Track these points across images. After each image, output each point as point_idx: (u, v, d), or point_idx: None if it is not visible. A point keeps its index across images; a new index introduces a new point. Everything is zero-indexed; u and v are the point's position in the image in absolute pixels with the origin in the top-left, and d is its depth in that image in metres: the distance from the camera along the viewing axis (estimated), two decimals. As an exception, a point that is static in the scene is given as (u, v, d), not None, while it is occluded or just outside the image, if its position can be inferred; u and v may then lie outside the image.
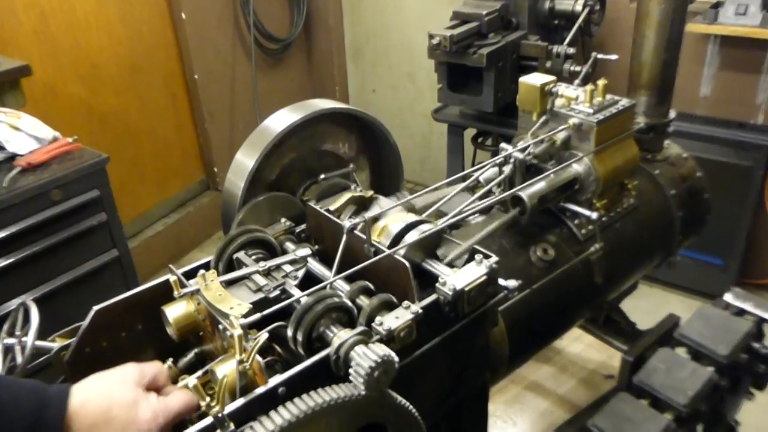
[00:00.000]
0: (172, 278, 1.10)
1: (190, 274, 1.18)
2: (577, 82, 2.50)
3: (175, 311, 1.13)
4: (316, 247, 1.34)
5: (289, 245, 1.31)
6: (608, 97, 1.50)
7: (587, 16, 2.94)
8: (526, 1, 2.91)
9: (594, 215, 1.45)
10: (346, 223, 1.16)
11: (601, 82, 1.49)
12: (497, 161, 1.46)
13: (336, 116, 1.51)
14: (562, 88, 1.50)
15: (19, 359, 1.16)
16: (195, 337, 1.19)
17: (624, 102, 1.50)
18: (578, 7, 2.92)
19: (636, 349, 1.72)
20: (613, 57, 2.75)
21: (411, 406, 1.04)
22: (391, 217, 1.27)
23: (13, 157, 2.34)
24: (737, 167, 3.09)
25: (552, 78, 1.49)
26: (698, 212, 1.80)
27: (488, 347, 1.30)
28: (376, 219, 1.28)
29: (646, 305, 2.58)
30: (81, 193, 2.29)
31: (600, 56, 2.80)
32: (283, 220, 1.38)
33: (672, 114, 1.78)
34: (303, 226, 1.38)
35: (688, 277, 3.38)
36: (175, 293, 1.10)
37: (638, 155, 1.56)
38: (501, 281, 1.21)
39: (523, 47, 2.84)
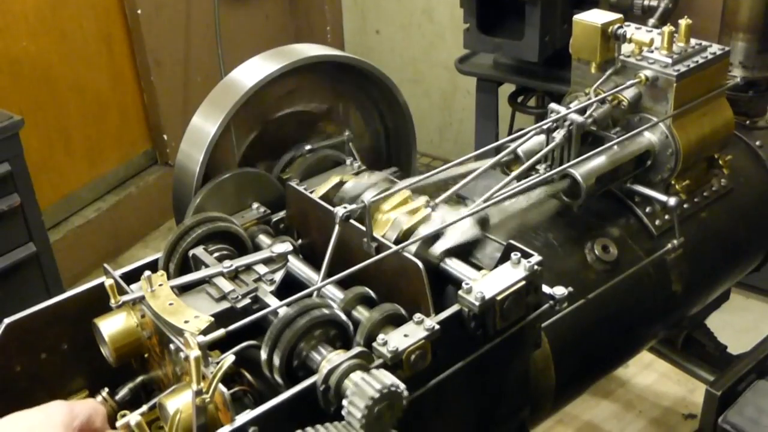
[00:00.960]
0: (108, 282, 1.12)
1: (132, 276, 1.19)
2: (652, 21, 2.51)
3: (111, 326, 1.15)
4: (300, 241, 1.36)
5: (263, 239, 1.33)
6: (693, 42, 1.52)
7: (667, -68, 2.94)
8: None
9: (672, 201, 1.46)
10: (340, 209, 1.17)
11: (683, 22, 1.50)
12: (543, 127, 1.47)
13: (327, 67, 1.52)
14: (632, 30, 1.51)
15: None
16: (138, 361, 1.22)
17: (714, 49, 1.52)
18: None
19: (725, 380, 1.74)
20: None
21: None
22: (398, 203, 1.29)
23: None
24: None
25: (618, 16, 1.50)
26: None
27: (528, 376, 1.32)
28: (378, 206, 1.30)
29: (741, 322, 2.60)
30: (-13, 167, 2.32)
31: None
32: (255, 205, 1.40)
33: None
34: (282, 214, 1.40)
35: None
36: (112, 302, 1.12)
37: (732, 121, 1.58)
38: (546, 288, 1.22)
39: (583, -28, 2.84)
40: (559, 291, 1.22)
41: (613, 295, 1.45)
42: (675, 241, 1.52)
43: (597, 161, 1.44)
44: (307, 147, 1.49)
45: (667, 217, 1.55)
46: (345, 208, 1.17)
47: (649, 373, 2.23)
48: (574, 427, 2.11)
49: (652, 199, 1.53)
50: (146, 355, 1.18)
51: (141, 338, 1.15)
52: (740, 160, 1.71)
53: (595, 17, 1.50)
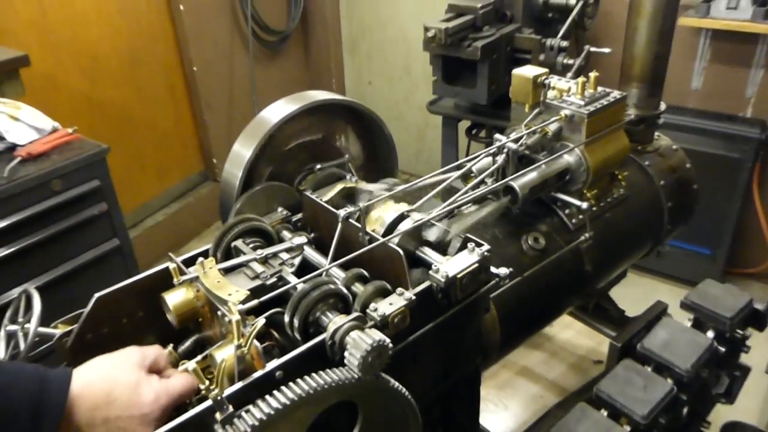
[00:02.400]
0: (172, 266, 1.11)
1: (190, 262, 1.18)
2: (569, 74, 2.50)
3: (174, 298, 1.14)
4: (312, 235, 1.35)
5: (286, 234, 1.32)
6: (600, 89, 1.51)
7: (581, 10, 2.94)
8: (519, -6, 2.90)
9: (584, 205, 1.46)
10: (342, 212, 1.16)
11: (592, 75, 1.50)
12: (490, 151, 1.46)
13: (332, 107, 1.51)
14: (555, 80, 1.50)
15: (22, 346, 1.16)
16: (194, 324, 1.20)
17: (615, 94, 1.51)
18: (572, 1, 2.92)
19: (624, 336, 1.74)
20: (606, 50, 2.75)
21: (404, 390, 1.05)
22: (384, 206, 1.28)
23: (13, 147, 2.33)
24: (726, 159, 3.10)
25: (544, 70, 1.49)
26: (687, 203, 1.81)
27: (480, 333, 1.31)
28: (370, 208, 1.29)
29: (635, 293, 2.60)
30: (81, 183, 2.29)
31: (593, 49, 2.81)
32: (279, 209, 1.39)
33: (662, 106, 1.78)
34: (299, 216, 1.39)
35: (676, 266, 3.40)
36: (175, 280, 1.11)
37: (629, 146, 1.58)
38: (493, 269, 1.22)
39: (517, 40, 2.84)
40: (503, 271, 1.21)
41: (542, 274, 1.45)
42: (587, 234, 1.52)
43: (530, 176, 1.44)
44: (318, 166, 1.47)
45: (581, 216, 1.54)
46: (345, 210, 1.17)
47: (568, 330, 2.22)
48: (514, 371, 2.10)
49: (570, 204, 1.52)
50: (200, 320, 1.17)
51: (196, 307, 1.14)
52: (634, 175, 1.70)
53: (528, 71, 1.50)
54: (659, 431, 1.38)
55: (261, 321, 0.97)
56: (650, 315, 1.82)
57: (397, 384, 1.03)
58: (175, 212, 4.11)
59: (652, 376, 1.43)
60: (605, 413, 1.36)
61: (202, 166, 4.40)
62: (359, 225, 1.18)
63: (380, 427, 1.07)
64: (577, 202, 1.48)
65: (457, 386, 1.34)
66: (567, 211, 1.55)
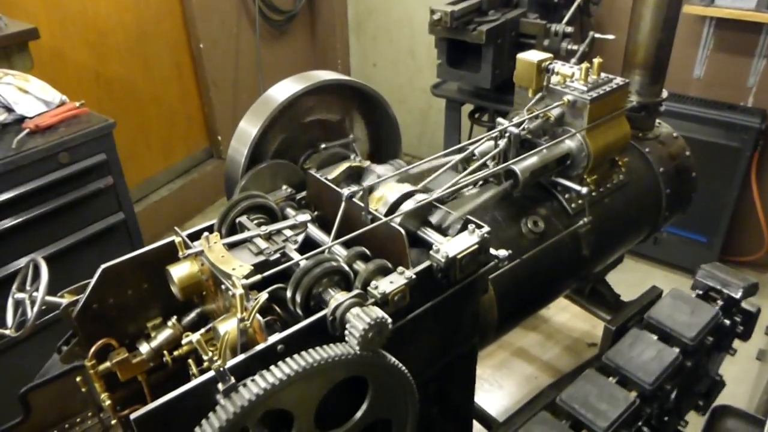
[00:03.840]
0: (177, 239, 1.11)
1: (195, 237, 1.18)
2: (573, 60, 2.48)
3: (179, 271, 1.14)
4: (316, 213, 1.35)
5: (290, 211, 1.32)
6: (603, 75, 1.50)
7: (586, -4, 2.91)
8: (526, -22, 2.87)
9: (584, 190, 1.45)
10: (345, 191, 1.16)
11: (596, 61, 1.48)
12: (493, 135, 1.46)
13: (338, 88, 1.50)
14: (558, 66, 1.49)
15: (29, 314, 1.17)
16: (198, 297, 1.21)
17: (618, 81, 1.49)
18: (577, -14, 2.88)
19: (618, 319, 1.75)
20: (610, 37, 2.73)
21: (402, 366, 1.06)
22: (387, 186, 1.28)
23: (22, 119, 2.33)
24: (726, 148, 3.09)
25: (548, 55, 1.48)
26: (685, 190, 1.81)
27: (478, 313, 1.31)
28: (373, 188, 1.28)
29: (631, 279, 2.60)
30: (88, 157, 2.28)
31: (597, 36, 2.78)
32: (284, 187, 1.39)
33: (664, 94, 1.77)
34: (303, 194, 1.38)
35: (672, 253, 3.41)
36: (180, 254, 1.11)
37: (629, 133, 1.57)
38: (492, 251, 1.22)
39: (522, 25, 2.81)
40: (502, 253, 1.22)
41: (540, 257, 1.45)
42: (585, 219, 1.52)
43: (531, 160, 1.43)
44: (323, 146, 1.47)
45: (580, 201, 1.54)
46: (349, 189, 1.17)
47: (563, 313, 2.23)
48: (510, 351, 2.11)
49: (570, 189, 1.51)
50: (204, 293, 1.18)
51: (200, 281, 1.15)
52: (634, 162, 1.70)
53: (532, 56, 1.49)
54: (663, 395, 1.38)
55: (264, 295, 0.97)
56: (645, 300, 1.83)
57: (394, 360, 1.04)
58: (179, 188, 4.10)
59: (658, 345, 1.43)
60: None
61: (207, 143, 4.38)
62: (362, 204, 1.17)
63: (389, 404, 1.07)
64: (576, 187, 1.47)
65: (454, 365, 1.35)
66: (567, 196, 1.54)
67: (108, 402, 1.19)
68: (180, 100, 4.08)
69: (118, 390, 1.25)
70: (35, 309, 1.14)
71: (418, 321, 1.16)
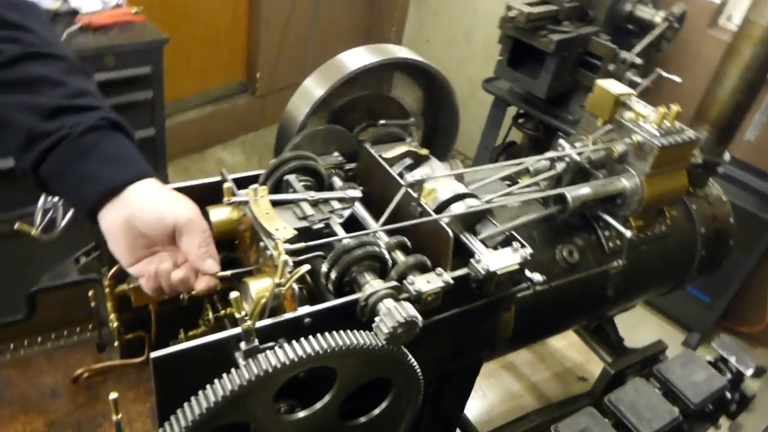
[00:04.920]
0: (226, 185, 1.09)
1: (239, 182, 1.16)
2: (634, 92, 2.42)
3: (218, 214, 1.12)
4: (361, 188, 1.33)
5: (336, 180, 1.29)
6: (677, 124, 1.46)
7: (663, 31, 2.84)
8: (609, -1, 2.80)
9: (628, 234, 1.43)
10: (408, 177, 1.13)
11: (674, 108, 1.44)
12: (551, 156, 1.43)
13: (408, 66, 1.46)
14: (635, 103, 1.45)
15: (60, 220, 1.16)
16: (227, 243, 1.19)
17: (690, 134, 1.46)
18: (658, 19, 2.81)
19: (619, 364, 1.75)
20: (677, 79, 2.68)
21: (417, 365, 1.05)
22: (440, 182, 1.26)
23: (75, 12, 2.28)
24: (755, 217, 3.05)
25: (630, 90, 1.44)
26: (719, 256, 1.79)
27: (495, 328, 1.31)
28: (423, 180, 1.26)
29: (625, 320, 2.59)
30: (134, 66, 2.24)
31: (664, 74, 2.73)
32: (335, 153, 1.36)
33: (726, 156, 1.74)
34: (352, 165, 1.36)
35: (673, 304, 3.40)
36: (225, 199, 1.09)
37: (686, 187, 1.53)
38: (527, 272, 1.20)
39: (592, 43, 2.75)
40: (537, 277, 1.20)
41: (568, 288, 1.43)
42: (620, 261, 1.50)
43: (584, 190, 1.41)
44: (381, 121, 1.44)
45: (618, 242, 1.52)
46: (411, 177, 1.13)
47: (561, 339, 2.23)
48: (501, 363, 2.11)
49: (612, 227, 1.49)
50: (236, 242, 1.16)
51: (236, 229, 1.13)
52: (679, 216, 1.67)
53: (613, 87, 1.44)
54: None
55: (306, 267, 0.95)
56: (648, 351, 1.83)
57: (412, 359, 1.03)
58: (207, 114, 4.06)
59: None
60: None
61: (244, 77, 4.32)
62: (415, 195, 1.15)
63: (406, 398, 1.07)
64: (621, 228, 1.45)
65: (458, 371, 1.34)
66: (607, 233, 1.52)
67: (116, 324, 1.18)
68: (228, 29, 4.01)
69: (125, 313, 1.24)
70: (68, 216, 1.12)
71: (440, 324, 1.14)
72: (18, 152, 1.00)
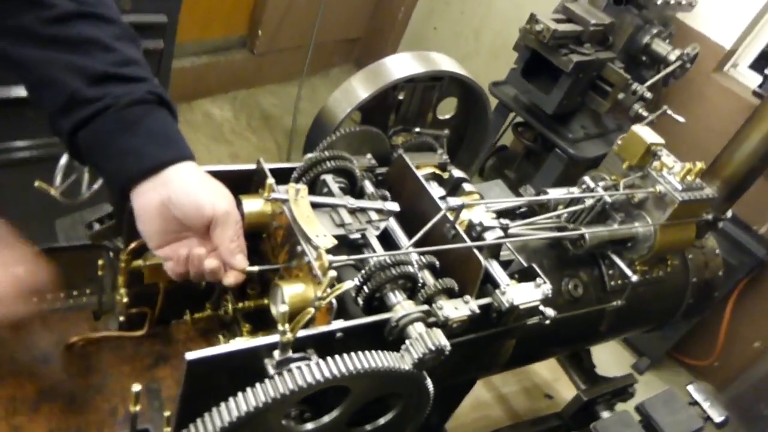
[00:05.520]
0: (268, 181, 1.06)
1: (274, 173, 1.13)
2: (641, 125, 2.46)
3: (252, 205, 1.10)
4: (390, 195, 1.32)
5: (368, 184, 1.27)
6: (698, 181, 1.50)
7: (674, 69, 2.89)
8: (631, 27, 2.81)
9: (634, 278, 1.47)
10: (445, 204, 1.12)
11: (699, 165, 1.47)
12: (577, 194, 1.45)
13: (454, 80, 1.45)
14: (664, 154, 1.48)
15: (85, 187, 1.11)
16: (252, 233, 1.17)
17: (709, 192, 1.50)
18: (672, 56, 2.86)
19: (592, 393, 1.81)
20: (681, 119, 2.74)
21: (431, 387, 1.06)
22: (472, 208, 1.26)
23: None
24: (723, 261, 3.17)
25: (661, 141, 1.46)
26: (703, 305, 1.85)
27: (498, 353, 1.33)
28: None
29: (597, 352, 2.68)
30: (151, 12, 2.13)
31: (669, 111, 2.78)
32: (368, 155, 1.34)
33: (728, 213, 1.79)
34: (383, 170, 1.34)
35: (630, 329, 3.52)
36: (265, 195, 1.06)
37: (692, 240, 1.59)
38: (541, 307, 1.22)
39: (607, 69, 2.77)
40: (550, 312, 1.22)
41: (568, 320, 1.46)
42: (619, 301, 1.54)
43: (601, 230, 1.44)
44: (417, 129, 1.42)
45: (620, 282, 1.55)
46: (454, 202, 1.12)
47: (533, 356, 2.27)
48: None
49: (618, 267, 1.53)
50: (264, 235, 1.13)
51: (269, 224, 1.11)
52: (677, 264, 1.72)
53: (647, 135, 1.46)
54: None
55: (349, 284, 0.94)
56: (619, 383, 1.90)
57: (429, 380, 1.04)
58: (202, 65, 3.91)
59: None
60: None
61: (245, 32, 4.17)
62: (452, 219, 1.15)
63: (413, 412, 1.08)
64: (627, 271, 1.48)
65: (451, 388, 1.36)
66: (611, 272, 1.55)
67: (126, 299, 1.15)
68: (238, -20, 3.87)
69: (132, 287, 1.21)
70: (96, 185, 1.07)
71: (453, 348, 1.15)
72: (56, 113, 0.95)
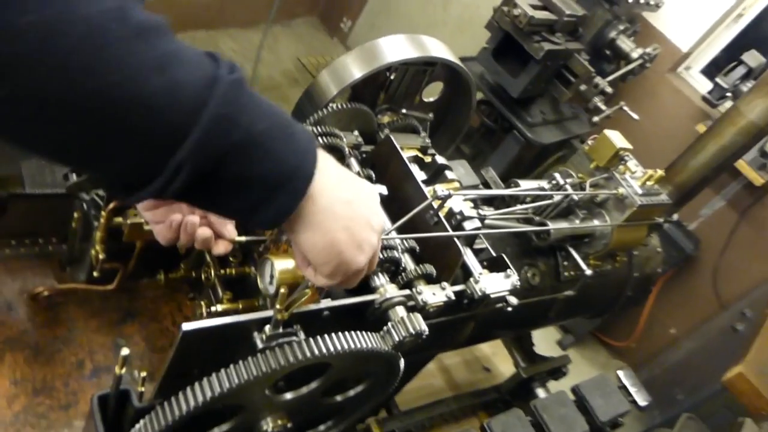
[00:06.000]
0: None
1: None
2: (596, 118, 2.56)
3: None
4: (373, 174, 1.34)
5: (353, 162, 1.29)
6: (657, 186, 1.59)
7: (635, 66, 3.00)
8: (601, 21, 2.89)
9: (588, 272, 1.56)
10: (440, 191, 1.15)
11: (660, 173, 1.57)
12: (548, 191, 1.51)
13: (444, 66, 1.46)
14: (630, 159, 1.56)
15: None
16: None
17: (664, 198, 1.60)
18: (635, 55, 2.96)
19: (530, 371, 1.94)
20: (635, 117, 2.86)
21: (402, 366, 1.11)
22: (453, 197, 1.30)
23: None
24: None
25: (630, 147, 1.54)
26: (639, 298, 2.00)
27: (459, 334, 1.40)
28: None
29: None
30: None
31: (626, 108, 2.90)
32: (356, 132, 1.35)
33: (675, 217, 1.92)
34: (368, 148, 1.36)
35: (561, 308, 3.72)
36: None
37: (643, 240, 1.69)
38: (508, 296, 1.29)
39: (573, 60, 2.84)
40: (513, 301, 1.29)
41: (523, 306, 1.54)
42: (570, 291, 1.64)
43: (565, 227, 1.52)
44: (404, 111, 1.44)
45: (573, 273, 1.65)
46: (442, 191, 1.15)
47: (476, 330, 2.37)
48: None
49: (573, 259, 1.61)
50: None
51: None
52: (624, 259, 1.83)
53: (617, 140, 1.53)
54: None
55: None
56: (555, 364, 2.03)
57: (402, 360, 1.09)
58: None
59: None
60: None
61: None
62: (435, 207, 1.18)
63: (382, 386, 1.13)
64: (582, 265, 1.58)
65: (409, 363, 1.43)
66: (566, 263, 1.64)
67: (102, 255, 1.13)
68: None
69: (108, 242, 1.19)
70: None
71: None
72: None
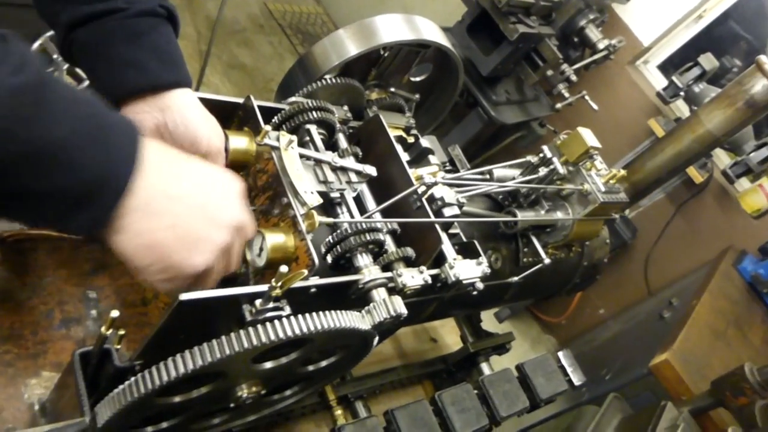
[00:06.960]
0: (266, 127, 1.06)
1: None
2: (559, 105, 2.65)
3: (238, 143, 1.10)
4: (357, 149, 1.35)
5: (342, 138, 1.30)
6: (617, 185, 1.69)
7: (599, 57, 3.09)
8: (573, 9, 2.95)
9: (547, 260, 1.65)
10: (427, 179, 1.19)
11: (623, 173, 1.65)
12: (517, 175, 1.58)
13: (436, 49, 1.48)
14: (598, 158, 1.64)
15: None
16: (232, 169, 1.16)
17: (623, 196, 1.69)
18: (600, 45, 3.05)
19: (477, 346, 2.04)
20: (595, 107, 2.97)
21: (375, 343, 1.17)
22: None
23: None
24: (594, 237, 3.58)
25: (598, 145, 1.61)
26: (584, 285, 2.12)
27: (429, 310, 1.46)
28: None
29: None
30: None
31: (587, 98, 3.01)
32: (345, 107, 1.36)
33: (627, 212, 2.04)
34: (356, 124, 1.37)
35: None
36: (258, 139, 1.06)
37: (599, 233, 1.80)
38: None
39: (543, 44, 2.90)
40: (480, 285, 1.36)
41: (483, 289, 1.63)
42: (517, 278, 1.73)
43: (530, 215, 1.59)
44: (392, 89, 1.45)
45: (531, 259, 1.74)
46: (429, 179, 1.19)
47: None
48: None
49: (534, 247, 1.70)
50: (245, 174, 1.14)
51: (251, 164, 1.12)
52: (578, 249, 1.94)
53: (589, 138, 1.60)
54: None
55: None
56: (500, 340, 2.15)
57: (377, 337, 1.14)
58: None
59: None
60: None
61: None
62: (419, 193, 1.22)
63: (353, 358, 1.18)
64: (542, 252, 1.67)
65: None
66: (526, 250, 1.73)
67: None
68: None
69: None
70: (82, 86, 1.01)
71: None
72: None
